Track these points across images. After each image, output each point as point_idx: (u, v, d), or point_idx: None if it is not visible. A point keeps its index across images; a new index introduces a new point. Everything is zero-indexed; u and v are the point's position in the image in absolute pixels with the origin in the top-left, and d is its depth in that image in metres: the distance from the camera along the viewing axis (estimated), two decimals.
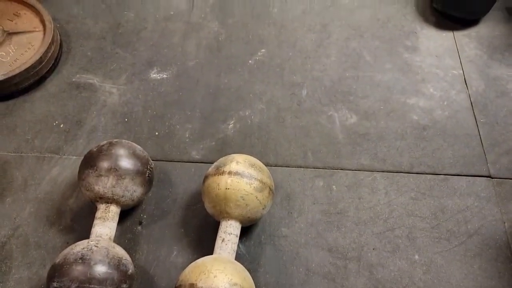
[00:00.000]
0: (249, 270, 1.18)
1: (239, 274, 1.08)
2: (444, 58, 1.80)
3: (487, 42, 1.85)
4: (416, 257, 1.32)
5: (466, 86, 1.72)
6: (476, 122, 1.62)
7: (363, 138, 1.57)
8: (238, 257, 1.28)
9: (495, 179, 1.48)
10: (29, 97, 1.62)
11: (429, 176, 1.49)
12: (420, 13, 1.94)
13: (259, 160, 1.33)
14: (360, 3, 1.96)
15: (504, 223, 1.39)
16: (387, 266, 1.31)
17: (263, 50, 1.80)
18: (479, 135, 1.58)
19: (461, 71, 1.76)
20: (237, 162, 1.23)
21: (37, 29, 1.67)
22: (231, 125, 1.58)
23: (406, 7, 1.95)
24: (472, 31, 1.88)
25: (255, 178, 1.22)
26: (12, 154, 1.49)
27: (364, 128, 1.60)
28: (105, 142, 1.30)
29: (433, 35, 1.87)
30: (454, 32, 1.88)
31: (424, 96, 1.68)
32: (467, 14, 1.86)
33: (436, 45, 1.84)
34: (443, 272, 1.30)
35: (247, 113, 1.62)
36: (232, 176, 1.20)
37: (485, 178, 1.49)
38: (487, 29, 1.89)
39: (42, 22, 1.68)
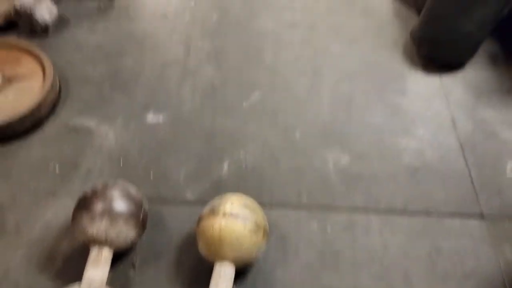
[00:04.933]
0: None
1: None
2: (433, 100, 1.85)
3: (473, 85, 1.92)
4: None
5: (455, 127, 1.76)
6: (466, 163, 1.65)
7: (356, 179, 1.59)
8: None
9: (488, 220, 1.49)
10: (26, 141, 1.64)
11: (422, 217, 1.49)
12: (407, 58, 2.02)
13: (254, 200, 1.33)
14: (349, 50, 2.05)
15: (500, 263, 1.38)
16: None
17: (257, 93, 1.85)
18: (470, 175, 1.61)
19: (449, 113, 1.81)
20: (231, 203, 1.24)
21: (37, 75, 1.72)
22: (226, 166, 1.60)
23: (393, 53, 2.04)
24: (458, 75, 1.96)
25: (250, 220, 1.22)
26: (7, 197, 1.48)
27: (357, 168, 1.62)
28: (100, 183, 1.30)
29: (420, 79, 1.94)
30: (441, 76, 1.95)
31: (414, 138, 1.72)
32: (452, 59, 1.94)
33: (424, 88, 1.90)
34: None
35: (241, 155, 1.64)
36: (227, 217, 1.20)
37: (478, 219, 1.50)
38: (472, 73, 1.97)
39: (42, 68, 1.73)
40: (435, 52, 1.93)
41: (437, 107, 1.83)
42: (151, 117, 1.74)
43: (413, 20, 2.17)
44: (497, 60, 2.02)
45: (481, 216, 1.50)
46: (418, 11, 2.14)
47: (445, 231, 1.46)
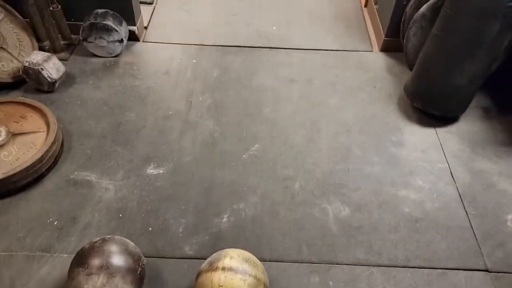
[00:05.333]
0: None
1: None
2: (429, 152, 1.88)
3: (467, 137, 1.96)
4: None
5: (453, 178, 1.77)
6: (467, 214, 1.64)
7: (357, 231, 1.57)
8: None
9: (493, 273, 1.46)
10: (26, 194, 1.64)
11: (426, 271, 1.46)
12: (402, 111, 2.07)
13: (254, 254, 1.31)
14: (345, 103, 2.11)
15: None
16: None
17: (256, 146, 1.88)
18: (471, 227, 1.60)
19: (447, 165, 1.83)
20: (230, 257, 1.22)
21: (41, 130, 1.76)
22: (225, 219, 1.59)
23: (388, 106, 2.10)
24: (453, 127, 2.00)
25: (249, 274, 1.19)
26: (2, 253, 1.46)
27: (358, 220, 1.61)
28: (98, 238, 1.29)
29: (416, 131, 1.98)
30: (436, 128, 1.99)
31: (413, 188, 1.73)
32: (446, 112, 1.99)
33: (420, 140, 1.94)
34: None
35: (241, 207, 1.64)
36: (226, 272, 1.18)
37: (483, 272, 1.46)
38: (466, 125, 2.01)
39: (47, 123, 1.77)
40: (429, 106, 1.99)
41: (434, 158, 1.85)
42: (151, 170, 1.76)
43: (406, 75, 2.25)
44: (489, 113, 2.08)
45: (485, 269, 1.47)
46: (410, 67, 2.23)
47: (450, 286, 1.42)
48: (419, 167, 1.81)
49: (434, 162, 1.84)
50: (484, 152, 1.89)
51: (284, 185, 1.73)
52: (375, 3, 2.60)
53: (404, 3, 2.23)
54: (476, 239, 1.56)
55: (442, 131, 1.98)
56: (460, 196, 1.70)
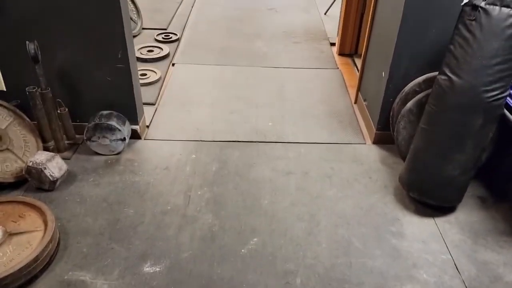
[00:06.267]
0: None
1: None
2: (430, 243, 1.86)
3: (467, 227, 1.95)
4: None
5: (458, 271, 1.73)
6: None
7: None
8: None
9: None
10: None
11: None
12: (399, 201, 2.09)
13: None
14: (343, 195, 2.13)
15: None
16: None
17: (255, 239, 1.86)
18: None
19: (450, 256, 1.79)
20: None
21: (38, 229, 1.75)
22: None
23: (385, 197, 2.12)
24: (452, 217, 2.00)
25: None
26: None
27: None
28: None
29: (415, 221, 1.97)
30: (435, 218, 1.99)
31: (419, 283, 1.67)
32: (442, 202, 2.01)
33: (420, 230, 1.92)
34: None
35: None
36: None
37: None
38: (465, 215, 2.02)
39: (45, 222, 1.77)
40: (425, 196, 2.01)
41: (436, 249, 1.82)
42: (148, 268, 1.71)
43: (399, 166, 2.32)
44: (486, 202, 2.09)
45: None
46: (403, 158, 2.30)
47: None
48: (422, 259, 1.78)
49: (437, 253, 1.80)
50: (486, 242, 1.86)
51: (285, 281, 1.67)
52: (364, 100, 2.77)
53: (391, 99, 2.38)
54: None
55: (441, 221, 1.98)
56: None
